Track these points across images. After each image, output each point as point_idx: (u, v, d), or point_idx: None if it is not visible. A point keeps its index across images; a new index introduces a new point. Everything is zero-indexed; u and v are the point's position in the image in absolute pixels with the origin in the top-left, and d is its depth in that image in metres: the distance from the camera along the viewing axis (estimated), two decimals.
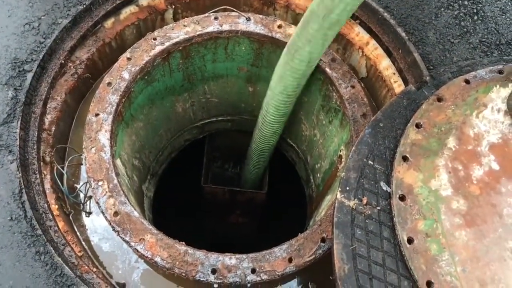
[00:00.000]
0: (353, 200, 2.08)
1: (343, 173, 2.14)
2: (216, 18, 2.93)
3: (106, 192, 2.39)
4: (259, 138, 3.38)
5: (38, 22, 2.67)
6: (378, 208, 2.06)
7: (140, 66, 2.75)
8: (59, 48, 2.74)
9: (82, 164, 2.84)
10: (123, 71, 2.71)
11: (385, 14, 2.88)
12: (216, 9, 2.97)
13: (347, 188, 2.11)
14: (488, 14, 2.79)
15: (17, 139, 2.40)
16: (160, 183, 3.83)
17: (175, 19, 3.33)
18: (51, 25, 2.68)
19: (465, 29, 2.76)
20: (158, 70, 2.97)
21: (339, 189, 2.11)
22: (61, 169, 2.53)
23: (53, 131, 2.66)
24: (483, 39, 2.73)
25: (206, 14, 2.94)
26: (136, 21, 3.14)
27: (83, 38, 2.88)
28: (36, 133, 2.53)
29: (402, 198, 2.05)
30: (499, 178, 2.12)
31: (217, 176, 4.94)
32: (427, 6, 2.82)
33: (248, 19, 2.93)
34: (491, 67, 2.38)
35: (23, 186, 2.34)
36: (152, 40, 2.82)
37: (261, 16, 2.96)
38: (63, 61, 2.75)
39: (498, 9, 2.80)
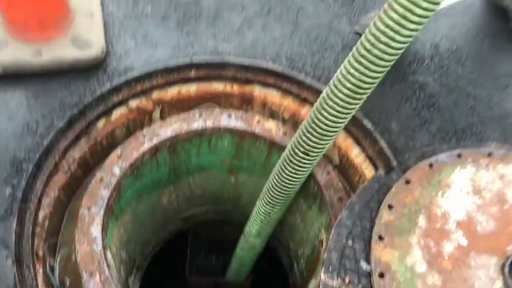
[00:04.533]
0: (336, 279, 2.20)
1: (325, 254, 2.28)
2: (200, 115, 3.18)
3: (98, 284, 2.45)
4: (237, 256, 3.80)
5: (36, 124, 2.87)
6: (360, 285, 2.18)
7: (130, 162, 2.94)
8: (54, 148, 2.92)
9: (72, 257, 2.90)
10: (114, 167, 2.89)
11: None
12: (200, 106, 3.24)
13: (330, 268, 2.23)
14: (442, 106, 3.14)
15: (13, 235, 2.48)
16: (146, 275, 3.84)
17: (162, 117, 3.57)
18: (48, 127, 2.88)
19: (424, 119, 3.08)
20: (146, 165, 3.14)
21: (323, 269, 2.23)
22: (53, 263, 2.59)
23: (46, 226, 2.75)
24: (441, 128, 3.05)
25: (191, 112, 3.19)
26: (126, 121, 3.36)
27: (77, 138, 3.07)
28: (31, 228, 2.62)
29: (381, 275, 2.17)
30: (468, 253, 2.27)
31: (201, 267, 4.95)
32: (389, 100, 3.16)
33: (230, 115, 3.20)
34: (450, 152, 2.63)
35: (17, 281, 2.38)
36: (142, 137, 3.04)
37: (241, 112, 3.24)
38: (57, 160, 2.92)
39: (451, 101, 3.16)
